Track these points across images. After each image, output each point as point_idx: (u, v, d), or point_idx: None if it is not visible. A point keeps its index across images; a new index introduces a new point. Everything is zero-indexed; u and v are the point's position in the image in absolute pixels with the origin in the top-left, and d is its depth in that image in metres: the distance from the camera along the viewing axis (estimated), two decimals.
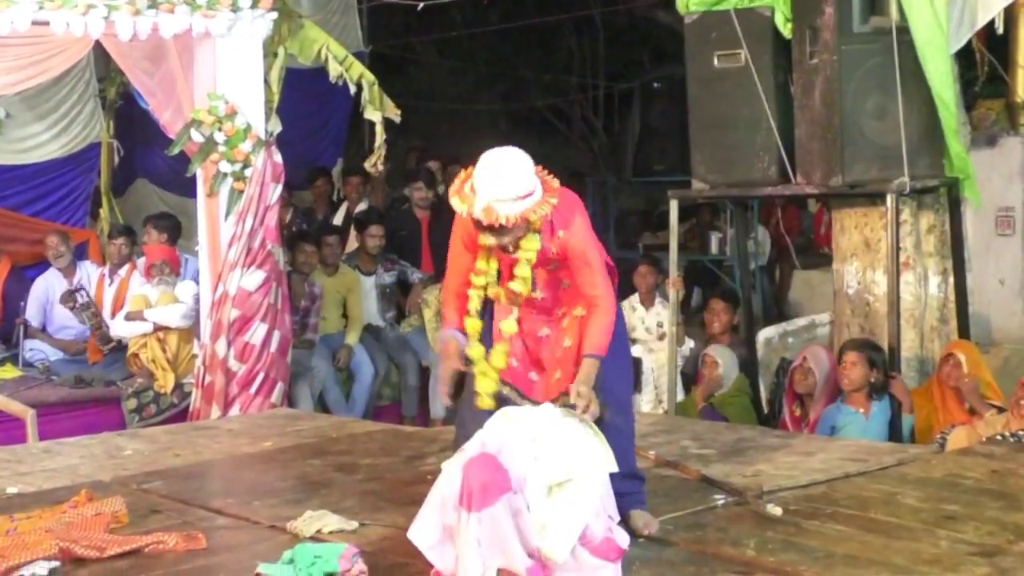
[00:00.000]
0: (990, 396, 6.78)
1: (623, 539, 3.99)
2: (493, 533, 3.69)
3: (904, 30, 6.96)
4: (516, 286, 4.27)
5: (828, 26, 7.15)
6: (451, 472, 3.88)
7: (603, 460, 3.99)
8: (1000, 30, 7.84)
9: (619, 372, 4.51)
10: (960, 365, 6.85)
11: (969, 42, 7.52)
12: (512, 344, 4.36)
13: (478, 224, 4.04)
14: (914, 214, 7.58)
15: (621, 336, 4.56)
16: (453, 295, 4.41)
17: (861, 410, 6.77)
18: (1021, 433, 6.03)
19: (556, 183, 4.15)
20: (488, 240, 4.12)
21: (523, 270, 4.24)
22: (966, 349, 7.07)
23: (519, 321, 4.38)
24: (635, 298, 9.23)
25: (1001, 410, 6.52)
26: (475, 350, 4.29)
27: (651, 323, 9.16)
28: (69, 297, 8.95)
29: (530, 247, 4.19)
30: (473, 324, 4.31)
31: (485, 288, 4.32)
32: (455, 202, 4.08)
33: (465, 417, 4.43)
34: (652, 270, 9.33)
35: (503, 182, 4.00)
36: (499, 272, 4.35)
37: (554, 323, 4.42)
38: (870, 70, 7.10)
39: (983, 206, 7.94)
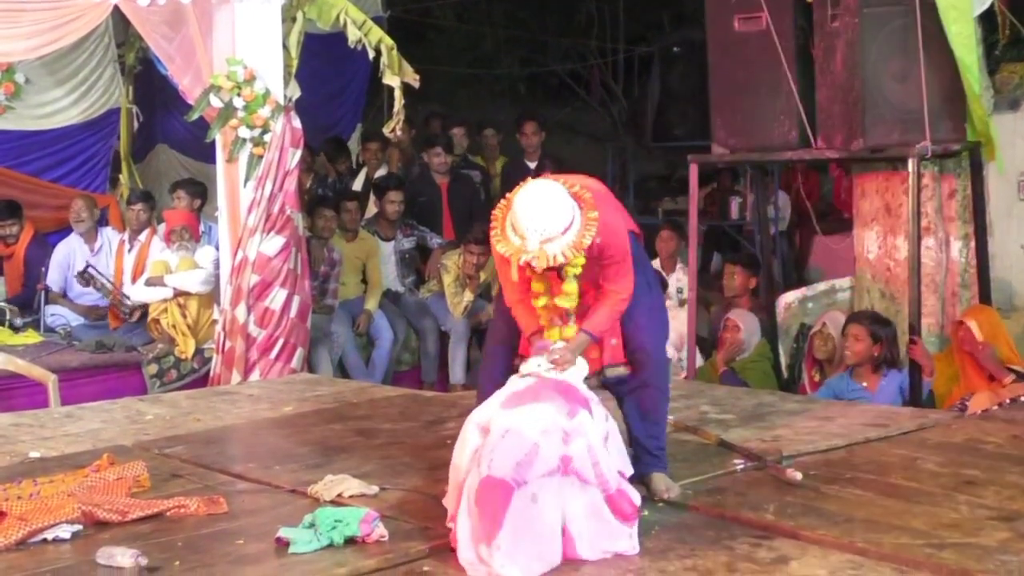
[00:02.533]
0: (1012, 361, 6.77)
1: (636, 496, 4.04)
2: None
3: None
4: (563, 302, 4.28)
5: None
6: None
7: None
8: None
9: (654, 337, 4.60)
10: (972, 332, 6.83)
11: (992, 4, 7.46)
12: None
13: (529, 267, 4.10)
14: (935, 178, 7.54)
15: (660, 299, 4.79)
16: (519, 304, 4.41)
17: (866, 384, 6.76)
18: None
19: (587, 194, 4.17)
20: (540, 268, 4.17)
21: (571, 286, 4.25)
22: (979, 315, 7.03)
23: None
24: (656, 263, 9.21)
25: (1021, 375, 6.51)
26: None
27: (671, 288, 9.14)
28: (81, 277, 8.99)
29: (577, 262, 4.18)
30: (552, 334, 4.33)
31: (549, 307, 4.33)
32: (502, 248, 4.12)
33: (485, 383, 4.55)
34: (674, 235, 9.33)
35: (546, 220, 4.03)
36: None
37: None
38: (892, 33, 7.06)
39: (1005, 170, 7.90)
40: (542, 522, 3.83)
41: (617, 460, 4.06)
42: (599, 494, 3.93)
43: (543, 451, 3.85)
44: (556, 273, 4.23)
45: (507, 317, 4.54)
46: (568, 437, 3.89)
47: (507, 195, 4.22)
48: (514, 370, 4.37)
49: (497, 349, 4.68)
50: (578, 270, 4.23)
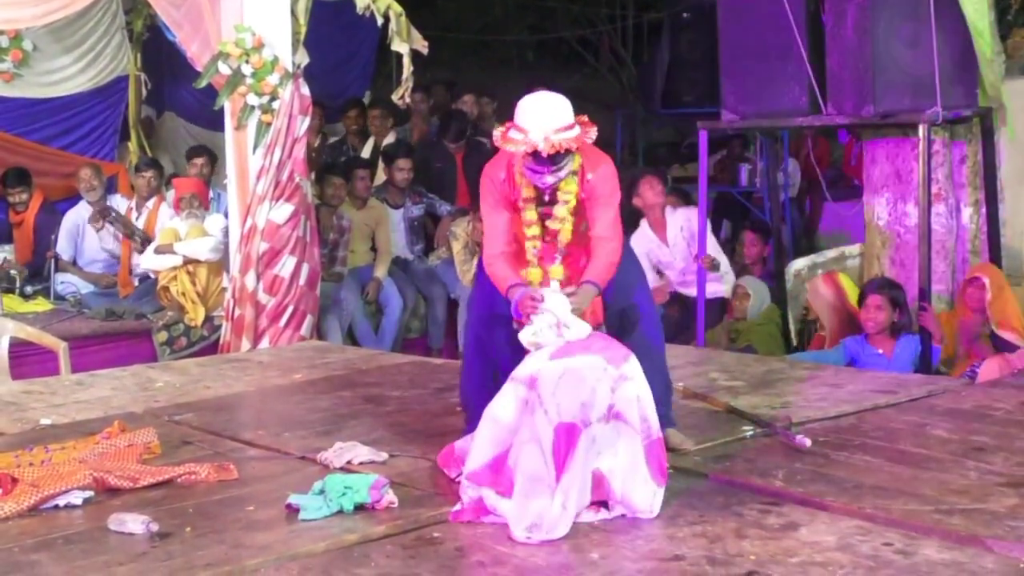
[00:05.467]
0: (1013, 325, 6.75)
1: (665, 456, 4.08)
2: None
3: None
4: (555, 225, 4.33)
5: None
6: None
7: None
8: None
9: (646, 302, 4.66)
10: (984, 288, 6.82)
11: None
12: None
13: (536, 158, 4.14)
14: (947, 144, 7.52)
15: (640, 271, 4.81)
16: (500, 258, 4.41)
17: (882, 350, 6.79)
18: None
19: (584, 117, 4.27)
20: (540, 180, 4.24)
21: (563, 212, 4.32)
22: (991, 272, 7.03)
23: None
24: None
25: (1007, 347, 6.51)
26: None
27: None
28: (99, 215, 8.99)
29: (569, 190, 4.30)
30: (536, 273, 4.35)
31: (540, 237, 4.35)
32: (508, 147, 4.20)
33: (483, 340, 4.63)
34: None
35: (551, 114, 4.17)
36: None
37: (574, 267, 4.44)
38: None
39: (1017, 136, 7.87)
40: (587, 463, 3.90)
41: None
42: (640, 442, 3.96)
43: (599, 396, 3.92)
44: (551, 201, 4.31)
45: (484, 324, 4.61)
46: (616, 383, 3.95)
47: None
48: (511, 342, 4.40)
49: (475, 362, 4.70)
50: (570, 198, 4.31)
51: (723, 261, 8.60)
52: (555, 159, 4.16)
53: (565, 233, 4.34)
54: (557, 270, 4.34)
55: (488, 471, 3.98)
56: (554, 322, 4.10)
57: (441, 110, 11.23)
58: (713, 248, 8.53)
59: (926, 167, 7.15)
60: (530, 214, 4.36)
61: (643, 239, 8.68)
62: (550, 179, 4.24)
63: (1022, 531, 3.69)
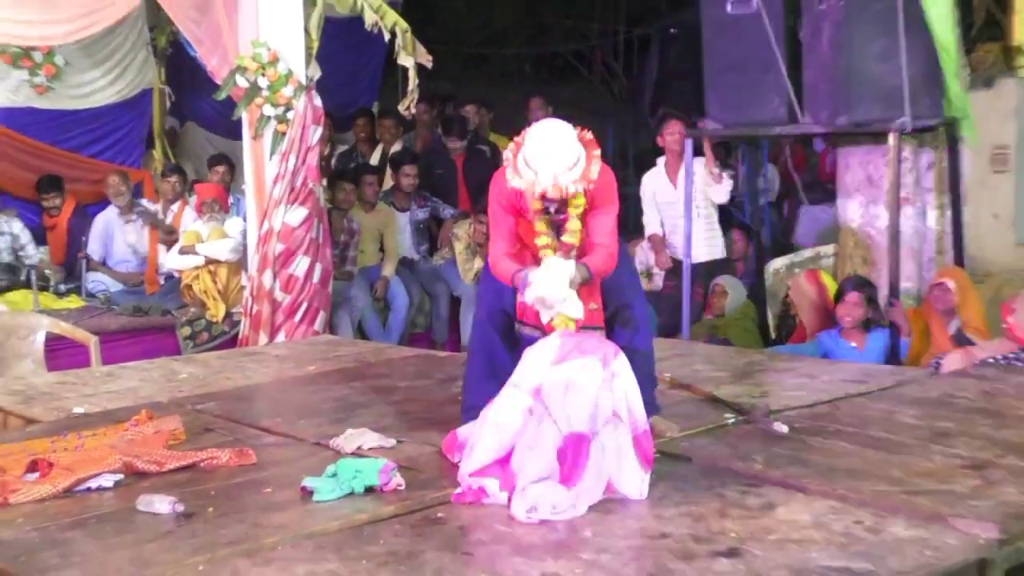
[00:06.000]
0: (976, 323, 6.77)
1: (651, 445, 4.10)
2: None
3: None
4: (569, 238, 4.33)
5: None
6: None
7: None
8: None
9: (639, 302, 4.69)
10: (949, 291, 6.85)
11: None
12: None
13: (544, 198, 4.17)
14: (915, 152, 7.54)
15: (634, 273, 4.86)
16: (505, 258, 4.43)
17: (854, 343, 6.80)
18: (1011, 356, 6.04)
19: (588, 134, 4.27)
20: (547, 204, 4.25)
21: (574, 224, 4.32)
22: (955, 276, 7.05)
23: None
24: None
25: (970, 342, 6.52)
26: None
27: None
28: (126, 211, 9.01)
29: (578, 203, 4.29)
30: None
31: (551, 248, 4.34)
32: (517, 182, 4.19)
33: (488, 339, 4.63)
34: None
35: (559, 154, 4.14)
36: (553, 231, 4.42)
37: None
38: (874, 15, 7.05)
39: (980, 144, 7.89)
40: (601, 464, 3.92)
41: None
42: (628, 434, 3.98)
43: (602, 403, 3.93)
44: (560, 212, 4.31)
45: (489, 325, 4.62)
46: (609, 382, 3.97)
47: (516, 139, 4.28)
48: (515, 339, 4.43)
49: (478, 355, 4.71)
50: (580, 209, 4.31)
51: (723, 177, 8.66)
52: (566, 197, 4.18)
53: (576, 242, 4.34)
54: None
55: (495, 467, 4.00)
56: (551, 276, 4.14)
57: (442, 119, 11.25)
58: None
59: (896, 173, 7.17)
60: (541, 225, 4.35)
61: (654, 177, 8.73)
62: (553, 207, 4.27)
63: (983, 510, 3.71)
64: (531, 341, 4.25)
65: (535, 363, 4.07)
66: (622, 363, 4.04)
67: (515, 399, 4.03)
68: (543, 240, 4.36)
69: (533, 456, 3.91)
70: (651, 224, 8.87)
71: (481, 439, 4.07)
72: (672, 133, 8.76)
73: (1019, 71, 8.65)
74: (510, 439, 4.00)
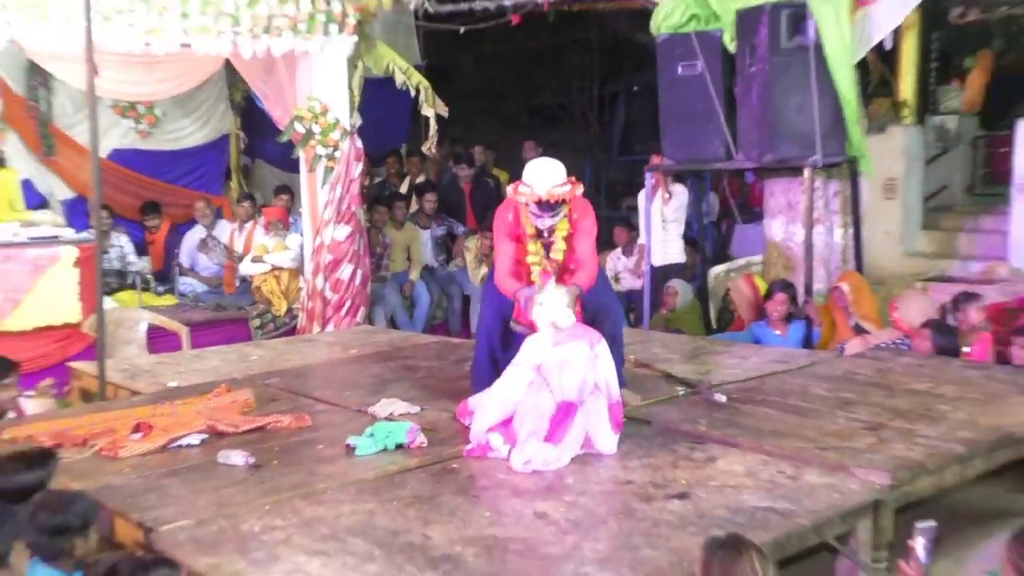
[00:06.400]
0: (870, 318, 6.76)
1: (621, 413, 4.11)
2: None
3: (818, 47, 6.89)
4: (555, 255, 4.42)
5: (763, 44, 7.09)
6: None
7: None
8: (888, 46, 7.78)
9: (614, 303, 4.81)
10: (844, 293, 6.84)
11: (865, 55, 7.45)
12: None
13: (539, 205, 4.25)
14: (824, 182, 7.53)
15: (608, 282, 5.05)
16: (506, 275, 4.49)
17: (779, 332, 6.79)
18: (898, 341, 6.04)
19: (571, 178, 4.38)
20: (542, 223, 4.34)
21: (560, 244, 4.42)
22: (851, 280, 7.05)
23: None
24: (618, 250, 9.23)
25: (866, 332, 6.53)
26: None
27: (631, 265, 9.14)
28: (203, 244, 9.03)
29: (563, 228, 4.40)
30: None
31: (539, 264, 4.43)
32: (520, 197, 4.31)
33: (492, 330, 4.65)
34: (625, 229, 9.30)
35: (551, 175, 4.29)
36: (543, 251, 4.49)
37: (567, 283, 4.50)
38: (793, 76, 7.04)
39: (874, 177, 7.90)
40: (583, 426, 3.95)
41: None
42: (605, 402, 4.00)
43: (588, 378, 3.96)
44: (549, 236, 4.38)
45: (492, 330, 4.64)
46: (594, 361, 4.00)
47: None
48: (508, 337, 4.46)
49: (484, 346, 4.72)
50: (565, 233, 4.38)
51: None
52: (554, 207, 4.25)
53: (561, 258, 4.42)
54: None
55: (499, 427, 4.01)
56: (555, 303, 4.16)
57: (453, 154, 11.26)
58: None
59: (809, 199, 7.16)
60: (533, 246, 4.42)
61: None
62: (549, 221, 4.33)
63: (877, 462, 3.73)
64: (523, 337, 4.27)
65: (536, 346, 4.09)
66: (603, 348, 4.07)
67: (519, 374, 4.06)
68: (534, 258, 4.42)
69: (531, 417, 3.93)
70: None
71: (490, 405, 4.09)
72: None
73: (904, 120, 8.67)
74: (512, 405, 4.02)
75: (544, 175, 4.27)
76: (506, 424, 4.00)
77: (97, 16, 5.83)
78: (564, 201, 4.28)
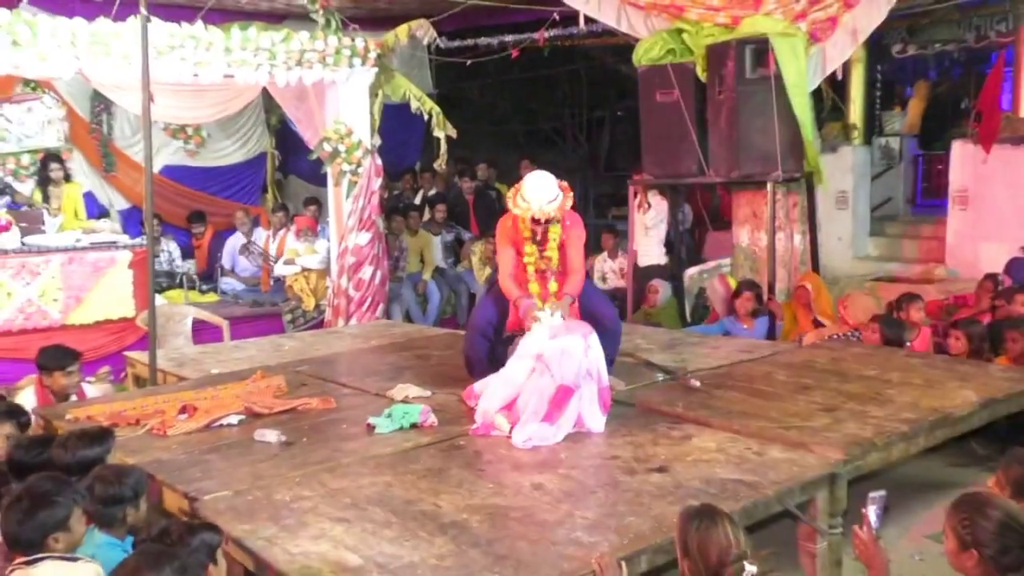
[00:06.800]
0: (826, 314, 6.73)
1: (609, 396, 4.08)
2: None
3: (778, 77, 6.86)
4: (549, 254, 4.41)
5: (730, 74, 7.07)
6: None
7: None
8: (840, 76, 7.76)
9: (606, 304, 4.79)
10: (808, 291, 6.81)
11: (819, 84, 7.43)
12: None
13: (534, 221, 4.26)
14: (785, 195, 7.48)
15: (601, 294, 5.08)
16: (509, 278, 4.47)
17: (747, 326, 6.75)
18: (848, 334, 6.01)
19: (564, 183, 4.39)
20: (536, 228, 4.32)
21: (552, 248, 4.41)
22: (812, 280, 7.02)
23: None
24: (605, 254, 9.19)
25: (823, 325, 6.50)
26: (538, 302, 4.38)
27: (616, 267, 9.11)
28: (244, 249, 9.00)
29: (556, 233, 4.39)
30: (535, 287, 4.42)
31: (534, 264, 4.42)
32: (517, 210, 4.30)
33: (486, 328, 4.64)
34: (611, 235, 9.28)
35: (544, 192, 4.27)
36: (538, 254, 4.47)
37: (560, 281, 4.47)
38: (757, 102, 7.02)
39: (828, 190, 7.87)
40: (577, 408, 3.92)
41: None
42: (596, 387, 3.98)
43: (582, 365, 3.93)
44: (543, 238, 4.36)
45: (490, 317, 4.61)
46: (586, 351, 3.97)
47: (516, 185, 4.38)
48: (504, 346, 4.44)
49: (478, 339, 4.68)
50: (557, 238, 4.36)
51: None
52: (547, 220, 4.26)
53: (555, 261, 4.40)
54: (553, 285, 4.41)
55: (504, 409, 3.98)
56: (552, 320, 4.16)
57: (455, 175, 11.23)
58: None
59: (772, 209, 7.14)
60: (529, 249, 4.41)
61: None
62: (543, 226, 4.33)
63: (832, 440, 3.69)
64: (512, 339, 4.31)
65: (535, 340, 4.06)
66: (594, 339, 4.04)
67: (522, 363, 4.03)
68: (530, 259, 4.40)
69: (533, 399, 3.90)
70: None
71: (496, 389, 4.06)
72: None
73: (853, 141, 8.66)
74: (515, 389, 3.99)
75: (538, 192, 4.24)
76: (509, 406, 3.98)
77: (153, 51, 5.82)
78: (555, 218, 4.27)
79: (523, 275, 4.43)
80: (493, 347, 4.53)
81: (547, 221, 4.25)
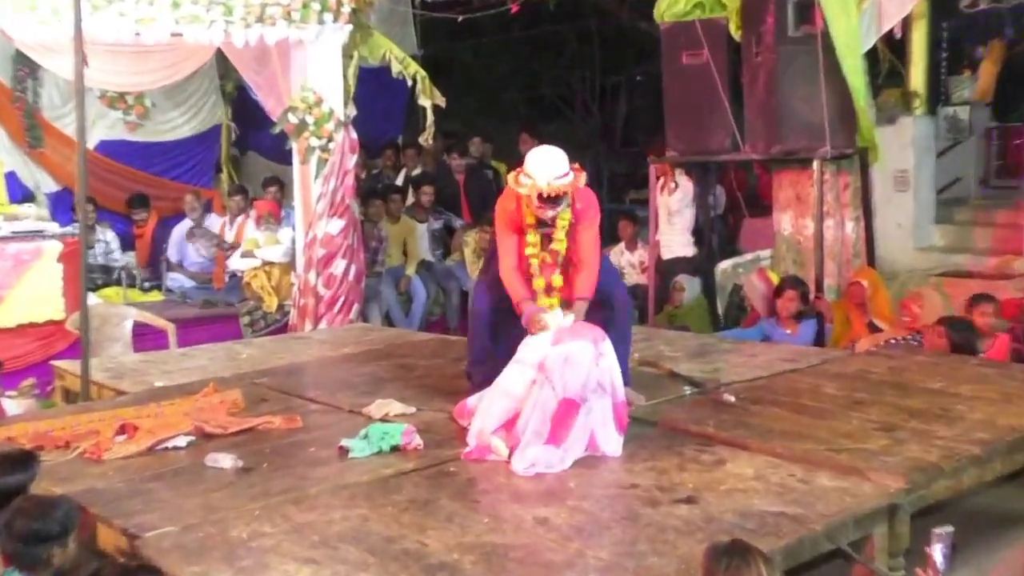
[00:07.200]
0: (884, 315, 6.72)
1: (626, 413, 4.07)
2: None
3: (826, 35, 6.85)
4: (555, 246, 4.35)
5: (769, 32, 7.07)
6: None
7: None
8: (899, 35, 7.74)
9: (621, 290, 4.78)
10: (862, 288, 6.80)
11: (875, 44, 7.41)
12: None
13: (540, 199, 4.15)
14: (834, 175, 7.47)
15: (613, 270, 4.94)
16: (512, 272, 4.41)
17: (790, 331, 6.73)
18: (909, 337, 6.00)
19: (576, 164, 4.30)
20: (544, 214, 4.25)
21: (560, 235, 4.34)
22: (867, 275, 7.01)
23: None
24: (622, 245, 9.18)
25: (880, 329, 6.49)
26: (543, 302, 4.33)
27: (635, 261, 9.10)
28: (191, 234, 8.99)
29: (565, 217, 4.31)
30: (540, 282, 4.37)
31: (537, 256, 4.37)
32: (521, 189, 4.21)
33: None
34: (629, 223, 9.27)
35: (553, 166, 4.17)
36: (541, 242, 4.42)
37: (567, 274, 4.44)
38: (801, 65, 7.01)
39: (885, 168, 7.85)
40: (587, 426, 3.90)
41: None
42: (610, 402, 3.96)
43: (592, 375, 3.91)
44: (550, 225, 4.30)
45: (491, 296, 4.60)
46: (597, 359, 3.96)
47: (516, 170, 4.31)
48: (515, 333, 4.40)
49: (481, 330, 4.69)
50: (566, 223, 4.30)
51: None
52: (555, 200, 4.17)
53: (562, 249, 4.34)
54: (558, 279, 4.36)
55: (501, 430, 3.96)
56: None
57: (444, 151, 11.22)
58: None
59: (819, 191, 7.13)
60: (533, 236, 4.36)
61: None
62: (551, 212, 4.25)
63: (892, 465, 3.68)
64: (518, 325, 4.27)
65: (536, 345, 4.04)
66: (608, 346, 4.03)
67: (521, 373, 4.01)
68: (532, 250, 4.36)
69: (534, 417, 3.88)
70: None
71: (492, 405, 4.04)
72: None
73: (915, 110, 8.64)
74: (515, 404, 3.97)
75: (545, 166, 4.16)
76: (508, 426, 3.95)
77: (87, 5, 5.81)
78: (566, 193, 4.21)
79: (525, 268, 4.39)
80: (498, 335, 4.51)
81: (557, 198, 4.18)
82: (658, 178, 8.42)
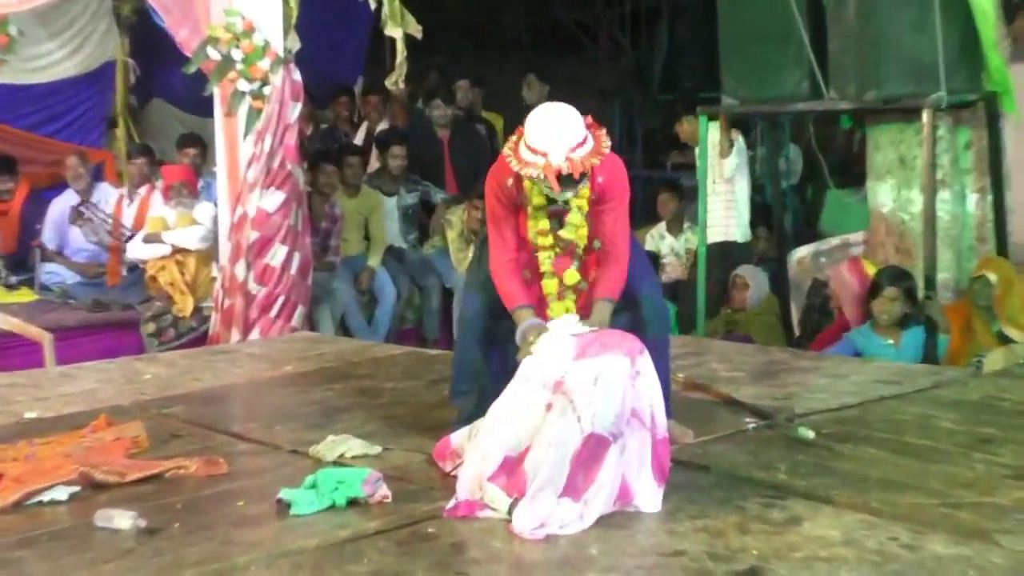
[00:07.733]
0: (1018, 325, 6.73)
1: (668, 455, 4.07)
2: None
3: None
4: (568, 234, 4.32)
5: None
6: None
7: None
8: None
9: (654, 286, 4.72)
10: (991, 284, 6.80)
11: None
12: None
13: (560, 179, 4.07)
14: (951, 130, 7.49)
15: (644, 260, 4.83)
16: (509, 266, 4.40)
17: (891, 340, 6.74)
18: None
19: (589, 118, 4.22)
20: (561, 195, 4.18)
21: (575, 216, 4.31)
22: (997, 267, 7.01)
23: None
24: (662, 226, 9.20)
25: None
26: (557, 309, 4.34)
27: (680, 249, 9.11)
28: (77, 215, 8.99)
29: (583, 194, 4.27)
30: (551, 284, 4.37)
31: (550, 247, 4.34)
32: (526, 171, 4.11)
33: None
34: (672, 196, 9.29)
35: (567, 132, 4.08)
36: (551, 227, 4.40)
37: (584, 270, 4.46)
38: None
39: (1022, 121, 7.85)
40: (618, 470, 3.89)
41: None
42: (648, 437, 3.96)
43: (627, 402, 3.91)
44: (562, 209, 4.29)
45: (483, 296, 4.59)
46: (635, 378, 3.94)
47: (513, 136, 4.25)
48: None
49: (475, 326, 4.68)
50: (583, 203, 4.29)
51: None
52: (578, 177, 4.13)
53: (580, 239, 4.34)
54: (572, 275, 4.36)
55: (500, 474, 3.95)
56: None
57: (420, 98, 11.22)
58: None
59: (931, 153, 7.15)
60: (542, 223, 4.34)
61: None
62: (570, 194, 4.20)
63: None
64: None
65: (551, 357, 4.02)
66: (647, 362, 4.00)
67: (530, 395, 3.98)
68: (546, 240, 4.35)
69: (549, 457, 3.85)
70: None
71: (488, 441, 4.02)
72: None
73: None
74: (523, 436, 3.95)
75: (559, 134, 4.10)
76: (510, 469, 3.94)
77: None
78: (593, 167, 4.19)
79: (526, 262, 4.40)
80: (492, 349, 4.53)
81: (580, 176, 4.16)
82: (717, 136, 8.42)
